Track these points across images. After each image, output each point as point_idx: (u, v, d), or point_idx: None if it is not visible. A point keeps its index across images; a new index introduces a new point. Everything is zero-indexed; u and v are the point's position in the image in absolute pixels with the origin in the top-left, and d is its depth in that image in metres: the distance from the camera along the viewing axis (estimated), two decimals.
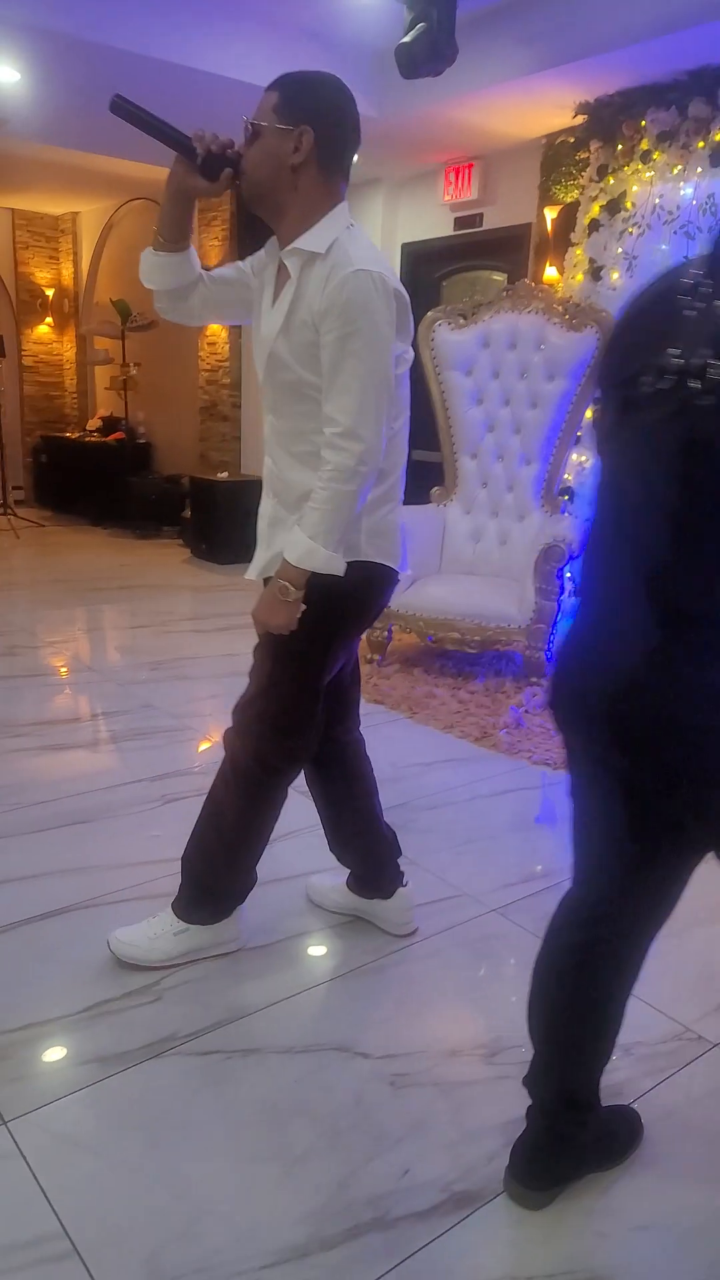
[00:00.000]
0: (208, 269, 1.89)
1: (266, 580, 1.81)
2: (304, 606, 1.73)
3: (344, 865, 2.19)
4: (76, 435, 8.78)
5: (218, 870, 1.99)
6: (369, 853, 2.15)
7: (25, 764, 3.08)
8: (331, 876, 2.27)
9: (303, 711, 1.86)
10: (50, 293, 9.05)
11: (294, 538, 1.70)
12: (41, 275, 8.95)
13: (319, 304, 1.62)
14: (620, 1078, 1.71)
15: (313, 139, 1.64)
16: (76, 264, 8.98)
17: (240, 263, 1.89)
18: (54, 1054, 1.74)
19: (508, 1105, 1.63)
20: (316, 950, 2.12)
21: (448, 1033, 1.85)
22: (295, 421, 1.75)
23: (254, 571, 1.88)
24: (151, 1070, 1.70)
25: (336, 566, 1.71)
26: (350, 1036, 1.81)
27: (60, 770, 3.04)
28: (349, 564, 1.75)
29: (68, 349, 9.27)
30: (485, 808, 2.89)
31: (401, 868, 2.18)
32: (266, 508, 1.88)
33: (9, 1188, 1.44)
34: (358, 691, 2.08)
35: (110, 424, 8.46)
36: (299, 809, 2.64)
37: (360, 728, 2.11)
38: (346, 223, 1.69)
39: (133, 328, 7.65)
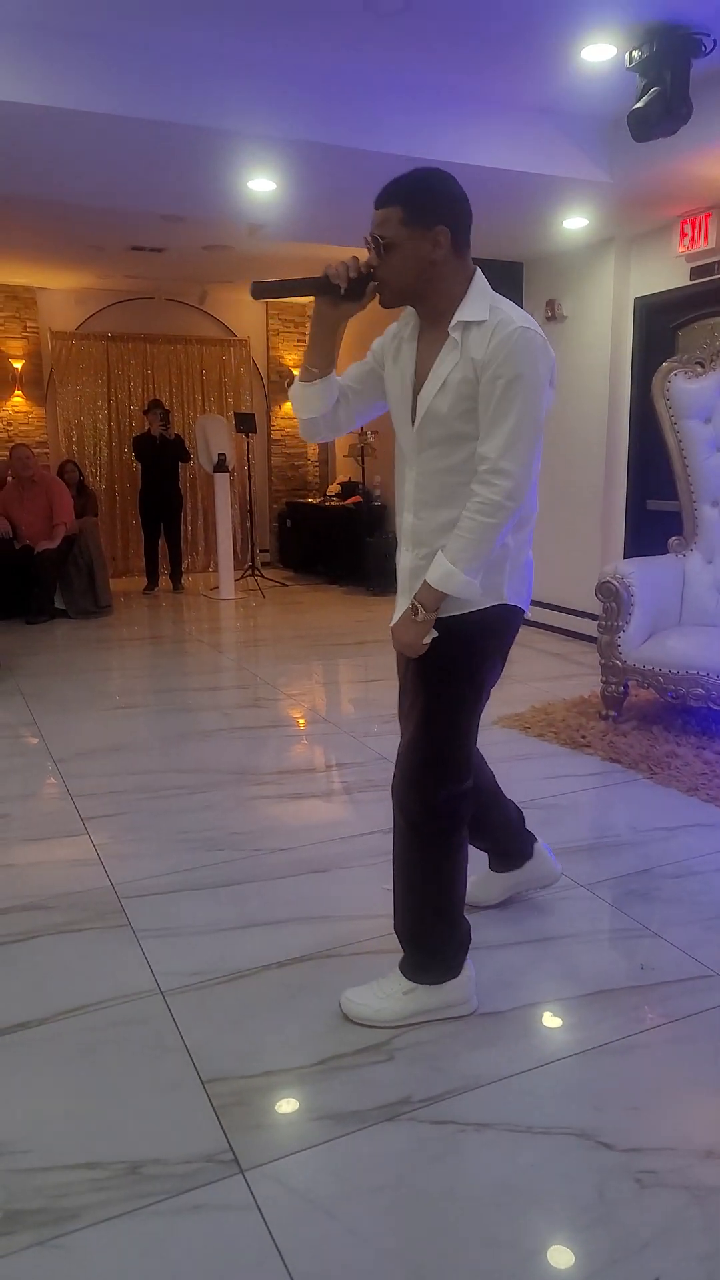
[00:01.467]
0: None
1: None
2: (434, 634, 1.85)
3: (482, 849, 2.33)
4: (317, 500, 9.27)
5: (432, 928, 1.98)
6: (507, 821, 2.33)
7: (266, 811, 3.20)
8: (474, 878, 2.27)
9: (463, 753, 1.94)
10: (297, 372, 9.67)
11: (436, 562, 1.82)
12: (289, 357, 9.61)
13: (482, 355, 1.75)
14: None
15: (449, 236, 1.78)
16: None
17: (366, 357, 2.04)
18: (289, 1106, 1.76)
19: None
20: (554, 1022, 2.01)
21: (702, 1131, 1.67)
22: (446, 476, 1.85)
23: (398, 617, 1.95)
24: (384, 1134, 1.67)
25: (472, 593, 1.82)
26: (592, 1122, 1.69)
27: (299, 818, 3.13)
28: (496, 607, 1.88)
29: None
30: None
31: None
32: (407, 560, 1.97)
33: (245, 1241, 1.45)
34: None
35: (348, 489, 8.86)
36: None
37: None
38: (491, 291, 1.84)
39: None
